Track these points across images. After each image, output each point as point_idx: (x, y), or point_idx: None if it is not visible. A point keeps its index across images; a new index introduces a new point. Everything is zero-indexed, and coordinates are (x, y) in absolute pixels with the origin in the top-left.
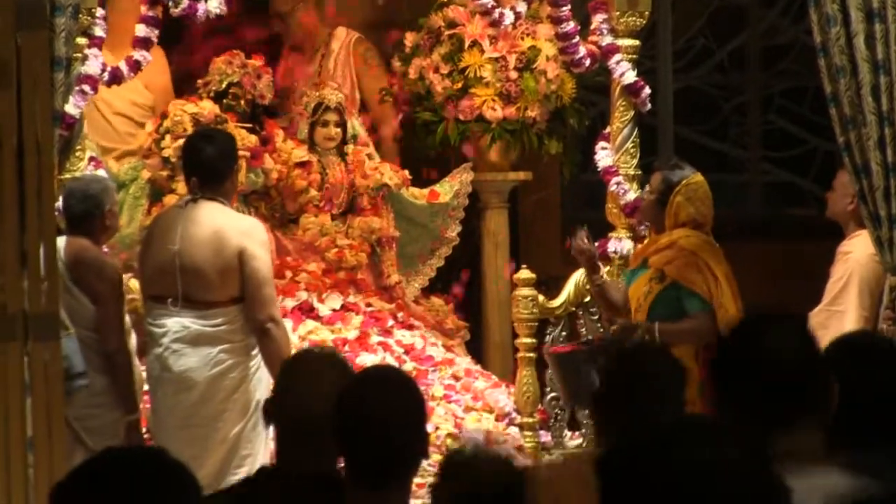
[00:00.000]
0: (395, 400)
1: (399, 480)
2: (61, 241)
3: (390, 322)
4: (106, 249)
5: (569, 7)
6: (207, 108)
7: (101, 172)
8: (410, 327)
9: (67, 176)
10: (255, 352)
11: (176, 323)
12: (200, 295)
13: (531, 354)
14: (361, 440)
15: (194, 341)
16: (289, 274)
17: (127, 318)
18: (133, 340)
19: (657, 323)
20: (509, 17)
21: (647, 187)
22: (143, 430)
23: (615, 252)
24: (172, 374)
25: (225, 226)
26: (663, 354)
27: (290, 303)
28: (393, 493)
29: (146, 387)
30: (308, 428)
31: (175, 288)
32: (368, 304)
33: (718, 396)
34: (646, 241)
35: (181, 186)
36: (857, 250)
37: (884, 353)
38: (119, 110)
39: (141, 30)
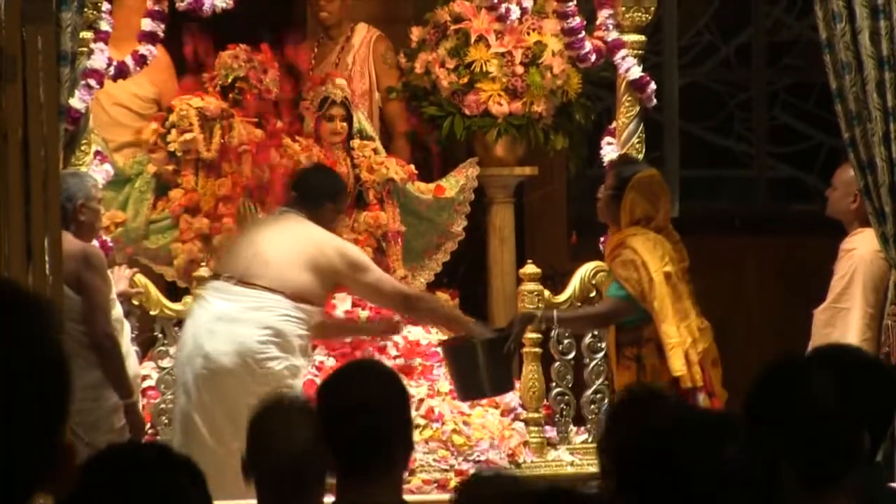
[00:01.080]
0: (374, 388)
1: (386, 471)
2: None
3: (396, 317)
4: (111, 244)
5: (575, 2)
6: (213, 102)
7: (107, 167)
8: (416, 322)
9: (70, 170)
10: None
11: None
12: (263, 276)
13: (537, 350)
14: (343, 428)
15: (228, 322)
16: None
17: (119, 309)
18: (127, 330)
19: (555, 311)
20: (515, 13)
21: (603, 185)
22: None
23: None
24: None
25: (316, 239)
26: None
27: None
28: (382, 483)
29: (151, 382)
30: (287, 478)
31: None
32: None
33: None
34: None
35: (187, 180)
36: (861, 247)
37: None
38: (120, 101)
39: (147, 24)
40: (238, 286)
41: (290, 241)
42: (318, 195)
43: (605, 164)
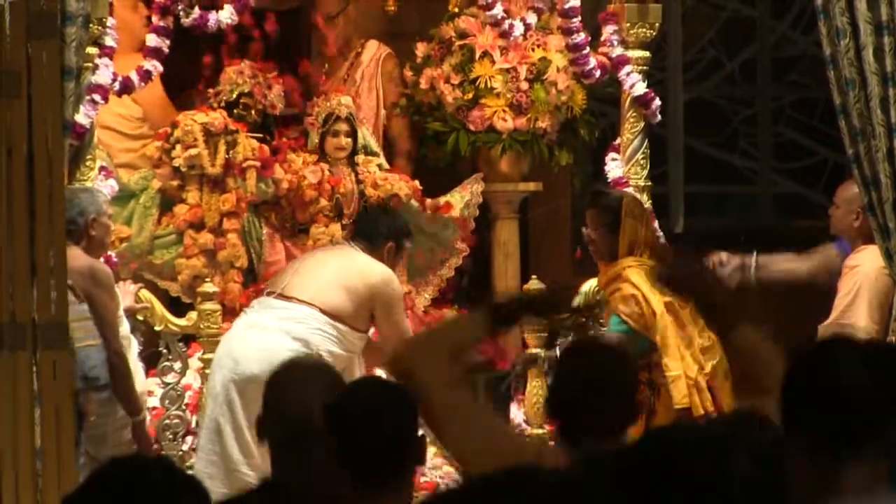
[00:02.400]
0: (385, 403)
1: (397, 486)
2: None
3: None
4: (115, 259)
5: (579, 18)
6: (218, 118)
7: (112, 182)
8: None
9: (77, 185)
10: None
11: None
12: (306, 292)
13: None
14: (355, 443)
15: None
16: None
17: (126, 325)
18: (134, 346)
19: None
20: (519, 29)
21: (587, 228)
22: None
23: None
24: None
25: (368, 273)
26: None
27: None
28: (393, 497)
29: (155, 398)
30: (299, 439)
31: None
32: None
33: (787, 422)
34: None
35: (191, 196)
36: (865, 263)
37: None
38: (105, 123)
39: (152, 40)
40: (276, 299)
41: (336, 264)
42: (378, 234)
43: (608, 181)
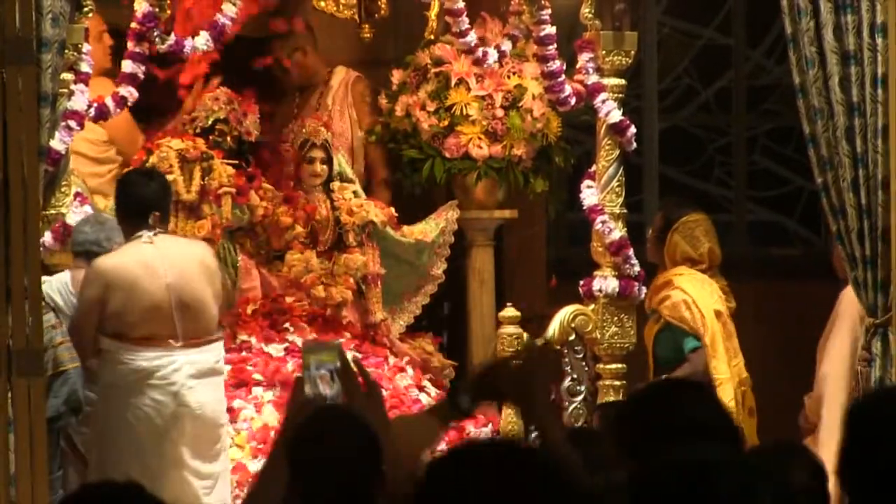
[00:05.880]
0: (348, 440)
1: None
2: (65, 276)
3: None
4: None
5: (555, 46)
6: (192, 144)
7: (87, 208)
8: (402, 370)
9: (52, 212)
10: None
11: (186, 360)
12: (202, 326)
13: None
14: (316, 476)
15: (205, 375)
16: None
17: None
18: None
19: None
20: (493, 56)
21: (650, 227)
22: None
23: (600, 290)
24: (190, 410)
25: (202, 254)
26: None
27: (276, 347)
28: None
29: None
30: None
31: (173, 326)
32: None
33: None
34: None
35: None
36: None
37: None
38: (73, 149)
39: (128, 66)
40: (188, 346)
41: (204, 283)
42: (169, 206)
43: (584, 208)
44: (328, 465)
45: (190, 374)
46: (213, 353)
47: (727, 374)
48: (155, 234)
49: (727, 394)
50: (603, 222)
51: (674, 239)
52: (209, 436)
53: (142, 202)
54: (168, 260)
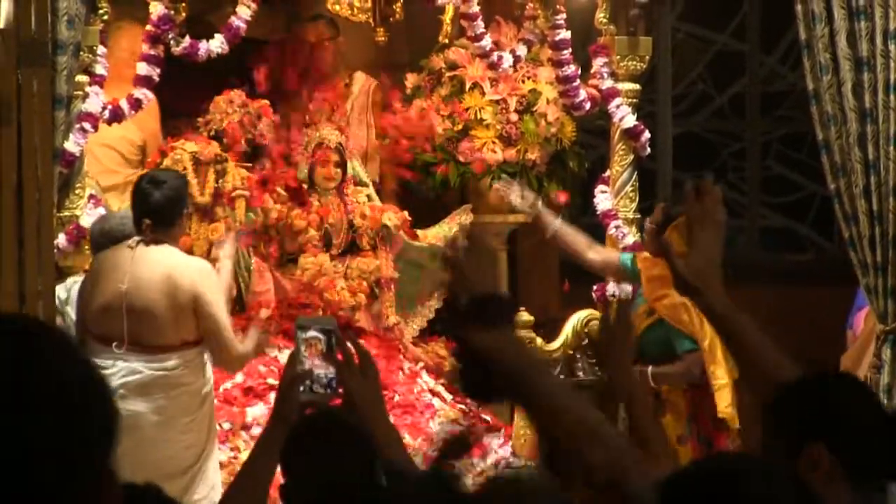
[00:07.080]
0: (342, 451)
1: None
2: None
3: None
4: None
5: (570, 51)
6: (207, 147)
7: (101, 210)
8: (416, 374)
9: (66, 214)
10: (205, 391)
11: (124, 367)
12: (150, 338)
13: None
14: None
15: (144, 387)
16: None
17: None
18: None
19: (650, 368)
20: (508, 61)
21: (649, 218)
22: None
23: (613, 295)
24: (124, 418)
25: (177, 269)
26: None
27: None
28: None
29: None
30: None
31: (121, 330)
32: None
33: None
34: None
35: None
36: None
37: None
38: (108, 142)
39: (143, 68)
40: (131, 352)
41: (159, 294)
42: (171, 215)
43: (598, 213)
44: (322, 479)
45: (123, 381)
46: (162, 367)
47: (725, 380)
48: (140, 242)
49: (725, 399)
50: (617, 227)
51: (673, 235)
52: (154, 460)
53: (135, 209)
54: (135, 267)
